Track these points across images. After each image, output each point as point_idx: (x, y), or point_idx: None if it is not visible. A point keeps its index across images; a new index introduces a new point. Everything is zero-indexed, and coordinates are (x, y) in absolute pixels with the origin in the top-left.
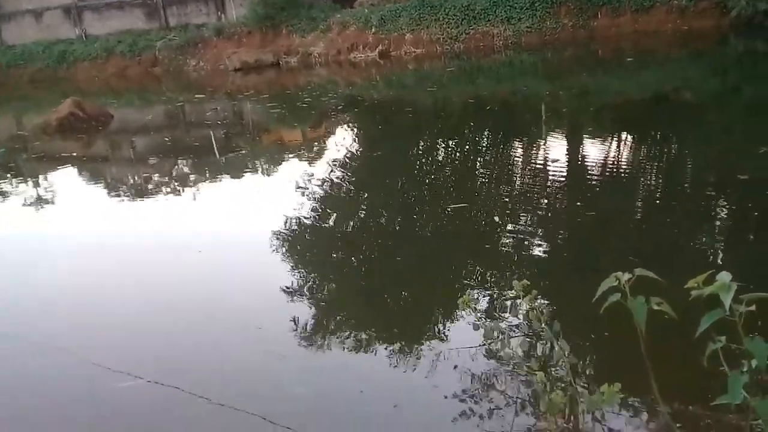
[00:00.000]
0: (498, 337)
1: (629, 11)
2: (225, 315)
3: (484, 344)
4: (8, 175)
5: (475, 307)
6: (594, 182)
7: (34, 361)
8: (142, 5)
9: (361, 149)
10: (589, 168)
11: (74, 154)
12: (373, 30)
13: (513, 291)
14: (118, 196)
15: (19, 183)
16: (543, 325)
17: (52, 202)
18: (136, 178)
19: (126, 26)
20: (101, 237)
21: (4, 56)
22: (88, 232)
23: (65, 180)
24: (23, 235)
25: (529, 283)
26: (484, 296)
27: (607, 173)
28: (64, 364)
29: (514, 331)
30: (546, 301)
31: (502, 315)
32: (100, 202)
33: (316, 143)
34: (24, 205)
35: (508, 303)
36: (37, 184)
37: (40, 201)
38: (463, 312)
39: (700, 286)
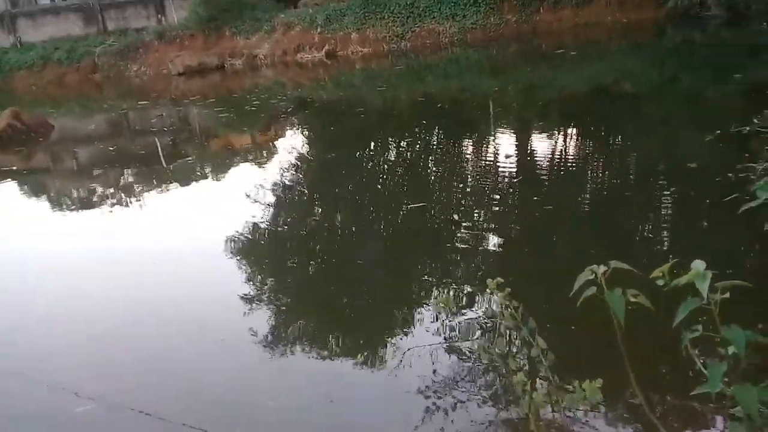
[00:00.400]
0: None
1: (570, 5)
2: (184, 328)
3: (450, 342)
4: None
5: (450, 309)
6: (548, 176)
7: None
8: (79, 10)
9: (313, 151)
10: (541, 162)
11: (14, 167)
12: (319, 30)
13: (482, 288)
14: (63, 209)
15: None
16: (517, 322)
17: None
18: (80, 190)
19: (63, 32)
20: (46, 253)
21: None
22: (32, 248)
23: (5, 195)
24: None
25: (502, 280)
26: (451, 294)
27: (560, 167)
28: (17, 386)
29: (486, 327)
30: (516, 299)
31: (472, 312)
32: (44, 217)
33: (266, 147)
34: None
35: (477, 300)
36: None
37: None
38: (432, 311)
39: (665, 275)
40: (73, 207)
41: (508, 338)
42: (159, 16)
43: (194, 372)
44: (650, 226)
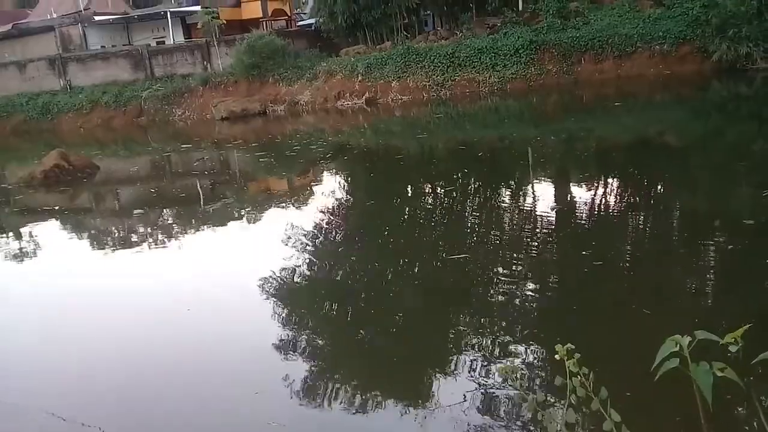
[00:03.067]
0: (538, 407)
1: (611, 56)
2: (219, 379)
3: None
4: None
5: (515, 376)
6: (595, 230)
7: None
8: (128, 56)
9: (351, 198)
10: (587, 215)
11: (56, 207)
12: (360, 78)
13: (552, 354)
14: (102, 249)
15: (2, 237)
16: (589, 392)
17: (34, 256)
18: (119, 230)
19: (111, 77)
20: (84, 292)
21: None
22: (70, 287)
23: (47, 234)
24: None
25: (573, 346)
26: (515, 362)
27: (607, 220)
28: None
29: (553, 398)
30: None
31: (533, 378)
32: (84, 257)
33: (304, 192)
34: (4, 259)
35: (543, 366)
36: (19, 238)
37: (20, 255)
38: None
39: (737, 341)
40: (111, 247)
41: (577, 409)
42: (205, 62)
43: (226, 424)
44: (715, 287)
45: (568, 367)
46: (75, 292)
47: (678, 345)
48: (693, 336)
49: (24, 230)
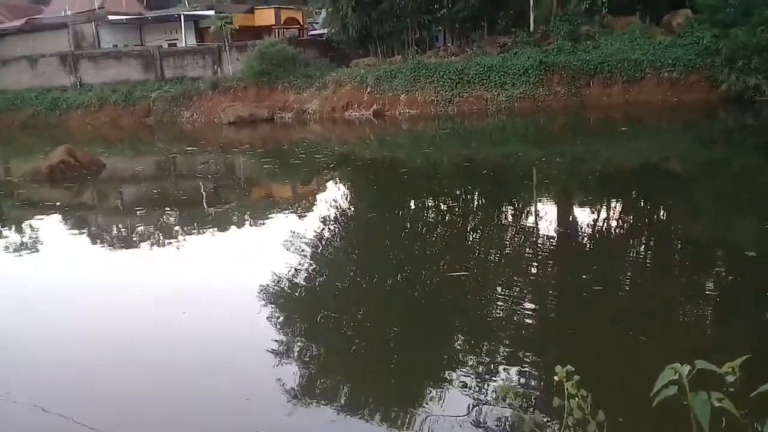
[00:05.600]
0: (535, 427)
1: (620, 81)
2: (210, 383)
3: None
4: None
5: (513, 395)
6: (596, 253)
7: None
8: (139, 56)
9: (352, 208)
10: (589, 238)
11: (59, 203)
12: (369, 89)
13: (549, 375)
14: (102, 246)
15: (1, 231)
16: (586, 414)
17: (35, 250)
18: (120, 229)
19: (122, 76)
20: (80, 289)
21: None
22: (68, 283)
23: (48, 229)
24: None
25: (572, 368)
26: (514, 379)
27: (608, 244)
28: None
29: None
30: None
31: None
32: (83, 253)
33: (306, 200)
34: (5, 251)
35: (539, 387)
36: (20, 232)
37: (20, 250)
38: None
39: (735, 371)
40: (110, 245)
41: (573, 431)
42: (215, 66)
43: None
44: (714, 317)
45: (567, 388)
46: (72, 289)
47: (677, 373)
48: (692, 365)
49: (24, 224)
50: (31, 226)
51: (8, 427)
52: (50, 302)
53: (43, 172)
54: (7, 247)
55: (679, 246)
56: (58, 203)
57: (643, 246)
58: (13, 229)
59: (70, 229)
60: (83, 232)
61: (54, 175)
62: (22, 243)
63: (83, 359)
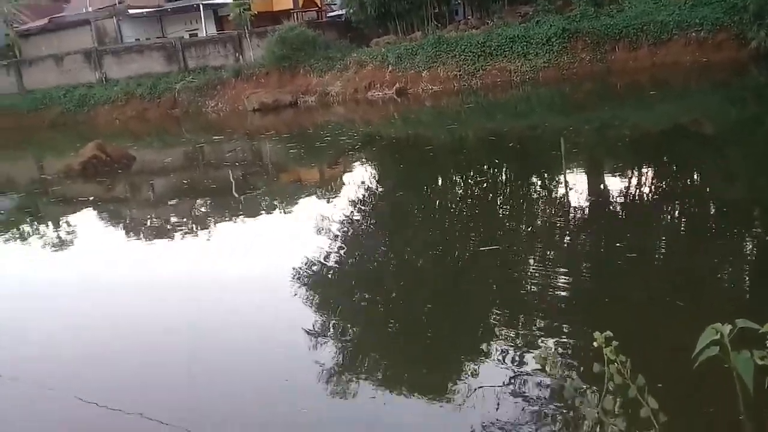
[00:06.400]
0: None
1: (646, 44)
2: (248, 366)
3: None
4: (27, 220)
5: (553, 362)
6: (628, 221)
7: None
8: (161, 48)
9: (380, 189)
10: (621, 205)
11: (92, 197)
12: (390, 68)
13: (587, 343)
14: (135, 238)
15: (38, 227)
16: (626, 379)
17: (70, 244)
18: (153, 220)
19: (145, 69)
20: (118, 279)
21: (25, 101)
22: (106, 274)
23: (84, 223)
24: (45, 280)
25: (611, 333)
26: (552, 349)
27: (641, 211)
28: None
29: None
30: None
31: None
32: (119, 245)
33: (333, 182)
34: (43, 247)
35: (578, 355)
36: (57, 227)
37: (59, 244)
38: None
39: None
40: (144, 236)
41: (615, 396)
42: (237, 54)
43: (254, 412)
44: (752, 279)
45: (606, 354)
46: (110, 280)
47: (718, 333)
48: (733, 325)
49: (61, 219)
50: (67, 222)
51: (49, 415)
52: (91, 290)
53: (75, 168)
54: (45, 242)
55: (713, 209)
56: (91, 198)
57: (677, 211)
58: (50, 224)
59: (105, 222)
60: (118, 225)
61: (86, 171)
62: (59, 237)
63: (114, 347)
